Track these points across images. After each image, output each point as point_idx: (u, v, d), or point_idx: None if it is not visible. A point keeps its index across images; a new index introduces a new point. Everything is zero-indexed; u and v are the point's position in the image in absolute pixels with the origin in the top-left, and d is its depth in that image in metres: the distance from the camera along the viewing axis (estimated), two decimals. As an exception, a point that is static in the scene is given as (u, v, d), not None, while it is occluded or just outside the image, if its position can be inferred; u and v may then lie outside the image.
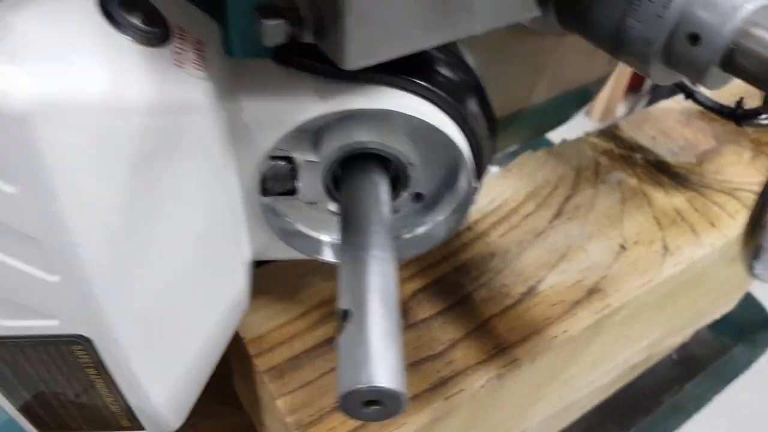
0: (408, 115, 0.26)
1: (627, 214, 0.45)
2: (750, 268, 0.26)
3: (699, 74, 0.28)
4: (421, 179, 0.30)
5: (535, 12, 0.27)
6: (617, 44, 0.31)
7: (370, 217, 0.26)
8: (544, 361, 0.38)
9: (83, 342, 0.24)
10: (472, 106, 0.29)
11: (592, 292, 0.40)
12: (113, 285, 0.23)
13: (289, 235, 0.32)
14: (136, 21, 0.22)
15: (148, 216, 0.24)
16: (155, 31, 0.23)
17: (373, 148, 0.28)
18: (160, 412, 0.30)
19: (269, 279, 0.40)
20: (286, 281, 0.40)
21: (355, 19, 0.22)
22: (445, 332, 0.37)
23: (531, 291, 0.40)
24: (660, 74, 0.30)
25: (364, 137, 0.27)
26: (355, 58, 0.23)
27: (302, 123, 0.26)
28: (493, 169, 0.50)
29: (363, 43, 0.22)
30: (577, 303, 0.39)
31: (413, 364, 0.36)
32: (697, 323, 0.71)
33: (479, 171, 0.30)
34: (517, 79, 0.40)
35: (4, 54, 0.19)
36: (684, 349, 0.86)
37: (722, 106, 0.48)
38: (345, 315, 0.22)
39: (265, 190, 0.29)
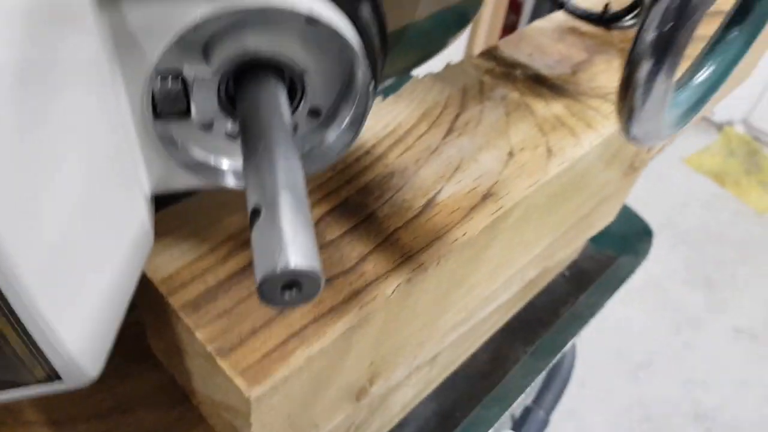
0: (299, 12, 0.26)
1: (512, 125, 0.48)
2: (627, 134, 0.28)
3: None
4: (317, 91, 0.30)
5: None
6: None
7: (271, 122, 0.26)
8: (447, 264, 0.40)
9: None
10: (367, 10, 0.30)
11: (486, 197, 0.43)
12: (9, 218, 0.22)
13: (187, 162, 0.32)
14: None
15: (36, 143, 0.23)
16: None
17: (266, 57, 0.28)
18: (73, 355, 0.29)
19: (173, 219, 0.39)
20: (191, 219, 0.39)
21: None
22: (353, 249, 0.39)
23: (430, 203, 0.42)
24: None
25: (256, 44, 0.27)
26: None
27: (190, 26, 0.25)
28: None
29: None
30: (473, 208, 0.42)
31: (327, 280, 0.37)
32: (583, 233, 0.77)
33: (375, 78, 0.31)
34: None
35: None
36: (575, 266, 0.93)
37: (591, 13, 0.52)
38: (255, 213, 0.22)
39: (156, 114, 0.29)
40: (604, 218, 0.81)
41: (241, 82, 0.29)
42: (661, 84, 0.25)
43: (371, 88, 0.30)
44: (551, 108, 0.50)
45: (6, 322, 0.26)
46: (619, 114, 0.27)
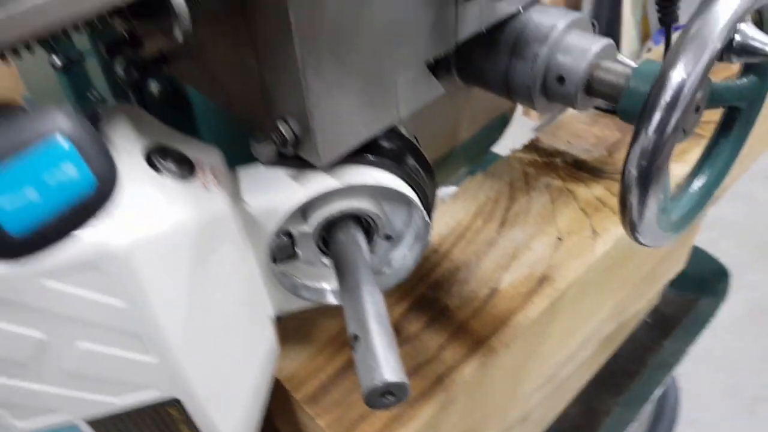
0: (375, 185, 0.36)
1: (558, 211, 0.56)
2: (636, 241, 0.35)
3: (571, 103, 0.39)
4: (387, 224, 0.40)
5: (441, 91, 0.37)
6: (508, 92, 0.41)
7: (356, 264, 0.35)
8: (515, 344, 0.47)
9: (175, 403, 0.33)
10: (411, 162, 0.40)
11: (542, 281, 0.50)
12: (191, 355, 0.32)
13: (298, 289, 0.42)
14: (170, 166, 0.32)
15: (205, 296, 0.33)
16: (184, 169, 0.32)
17: (347, 213, 0.38)
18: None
19: (287, 329, 0.49)
20: (300, 326, 0.49)
21: (321, 133, 0.32)
22: (432, 340, 0.47)
23: (493, 291, 0.50)
24: (544, 107, 0.41)
25: (339, 207, 0.37)
26: (326, 159, 0.33)
27: (292, 209, 0.36)
28: (450, 189, 0.61)
29: (329, 147, 0.32)
30: (531, 292, 0.49)
31: (414, 369, 0.45)
32: (652, 286, 0.82)
33: (427, 208, 0.40)
34: (443, 127, 0.50)
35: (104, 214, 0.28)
36: (656, 312, 0.96)
37: (607, 107, 0.59)
38: (355, 338, 0.31)
39: (274, 259, 0.39)
40: (673, 267, 0.85)
41: (331, 231, 0.39)
42: (651, 204, 0.32)
43: (425, 217, 0.39)
44: (592, 190, 0.57)
45: (183, 423, 0.36)
46: (623, 227, 0.34)
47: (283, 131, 0.32)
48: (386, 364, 0.29)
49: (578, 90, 0.38)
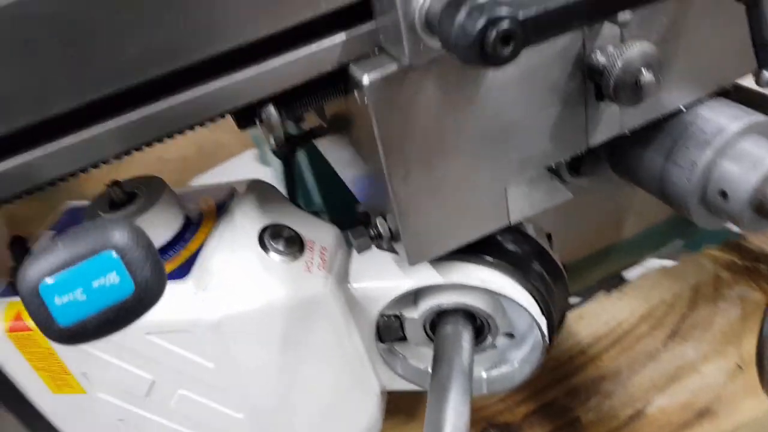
0: (491, 290, 0.34)
1: (748, 330, 0.46)
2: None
3: (736, 221, 0.32)
4: (505, 323, 0.37)
5: (566, 197, 0.33)
6: (663, 197, 0.35)
7: (452, 364, 0.33)
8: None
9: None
10: (536, 267, 0.36)
11: (702, 414, 0.42)
12: (279, 420, 0.34)
13: (404, 372, 0.41)
14: (279, 246, 0.34)
15: (297, 368, 0.35)
16: (292, 250, 0.34)
17: (457, 307, 0.36)
18: None
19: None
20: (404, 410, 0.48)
21: (409, 237, 0.31)
22: (553, 453, 0.42)
23: (638, 414, 0.43)
24: (704, 220, 0.34)
25: (448, 300, 0.35)
26: (414, 259, 0.32)
27: (393, 296, 0.35)
28: (665, 262, 0.53)
29: (417, 250, 0.31)
30: (685, 425, 0.41)
31: (522, 482, 0.41)
32: None
33: (549, 316, 0.36)
34: (597, 221, 0.45)
35: (202, 285, 0.31)
36: None
37: None
38: None
39: (381, 339, 0.39)
40: None
41: (441, 319, 0.37)
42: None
43: (541, 327, 0.36)
44: (800, 312, 0.46)
45: None
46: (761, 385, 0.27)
47: (379, 226, 0.32)
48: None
49: (745, 209, 0.31)
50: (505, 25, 0.20)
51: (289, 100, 0.27)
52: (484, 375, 0.41)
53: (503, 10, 0.20)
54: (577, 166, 0.39)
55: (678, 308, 0.49)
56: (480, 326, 0.38)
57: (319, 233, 0.37)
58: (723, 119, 0.32)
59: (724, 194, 0.32)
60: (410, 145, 0.28)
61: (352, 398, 0.40)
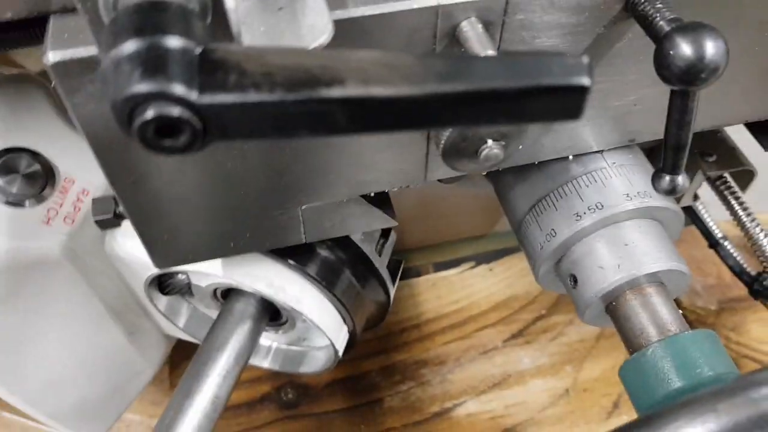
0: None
1: (596, 353, 0.42)
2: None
3: (577, 309, 0.26)
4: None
5: (390, 223, 0.26)
6: (519, 242, 0.29)
7: (222, 347, 0.29)
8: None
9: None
10: (346, 275, 0.30)
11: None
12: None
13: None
14: (11, 185, 0.26)
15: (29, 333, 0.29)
16: (31, 192, 0.26)
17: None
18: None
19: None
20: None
21: (147, 242, 0.23)
22: (339, 430, 0.39)
23: (444, 413, 0.40)
24: (549, 285, 0.29)
25: (230, 283, 0.29)
26: (159, 263, 0.24)
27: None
28: None
29: (164, 253, 0.24)
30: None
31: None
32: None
33: (351, 327, 0.31)
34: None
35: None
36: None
37: (743, 270, 0.42)
38: None
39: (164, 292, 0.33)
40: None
41: (233, 293, 0.31)
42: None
43: (337, 343, 0.30)
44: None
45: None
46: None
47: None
48: None
49: (593, 303, 0.25)
50: (164, 111, 0.11)
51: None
52: (282, 348, 0.36)
53: (173, 77, 0.11)
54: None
55: (537, 305, 0.45)
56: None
57: (89, 167, 0.28)
58: (611, 190, 0.24)
59: (574, 279, 0.25)
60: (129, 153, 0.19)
61: (123, 351, 0.35)
